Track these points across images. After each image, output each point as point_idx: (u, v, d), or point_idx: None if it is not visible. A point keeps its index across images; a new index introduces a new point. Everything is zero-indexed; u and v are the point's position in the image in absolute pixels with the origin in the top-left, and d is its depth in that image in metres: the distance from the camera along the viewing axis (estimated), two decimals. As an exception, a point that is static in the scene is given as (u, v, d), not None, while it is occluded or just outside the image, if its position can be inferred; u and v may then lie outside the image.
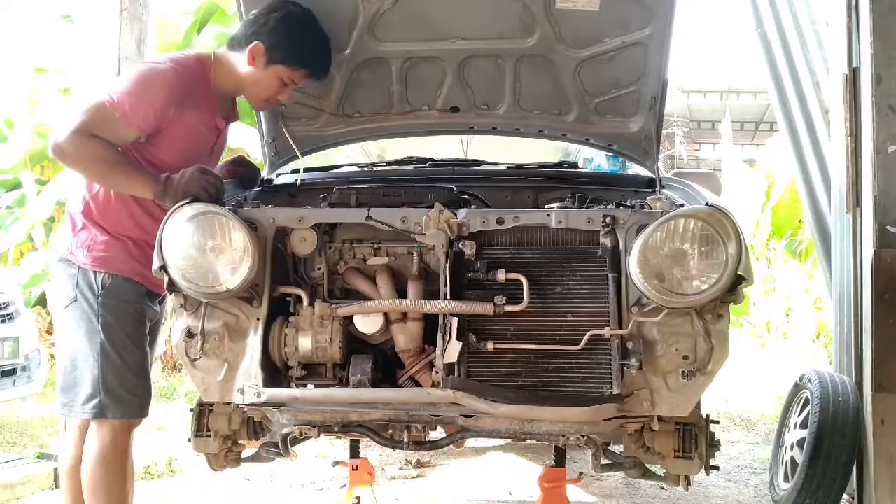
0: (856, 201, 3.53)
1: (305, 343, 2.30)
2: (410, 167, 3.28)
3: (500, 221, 2.31)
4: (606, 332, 2.18)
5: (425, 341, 2.35)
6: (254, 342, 2.28)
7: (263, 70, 2.54)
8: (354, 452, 2.83)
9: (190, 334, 2.28)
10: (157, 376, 6.22)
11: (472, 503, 3.84)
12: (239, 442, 2.54)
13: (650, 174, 3.02)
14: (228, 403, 2.37)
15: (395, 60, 2.83)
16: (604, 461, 2.41)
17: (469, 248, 2.28)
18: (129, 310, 2.49)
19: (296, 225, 2.35)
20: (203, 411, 2.47)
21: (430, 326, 2.32)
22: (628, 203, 2.45)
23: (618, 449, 2.50)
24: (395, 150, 3.84)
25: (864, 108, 3.40)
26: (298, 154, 3.03)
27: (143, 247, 2.46)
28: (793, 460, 3.64)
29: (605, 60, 2.75)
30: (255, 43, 2.51)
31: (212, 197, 2.35)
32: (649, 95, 2.79)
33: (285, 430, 2.40)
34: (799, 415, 3.80)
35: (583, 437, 2.27)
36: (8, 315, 4.71)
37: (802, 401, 3.80)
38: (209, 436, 2.47)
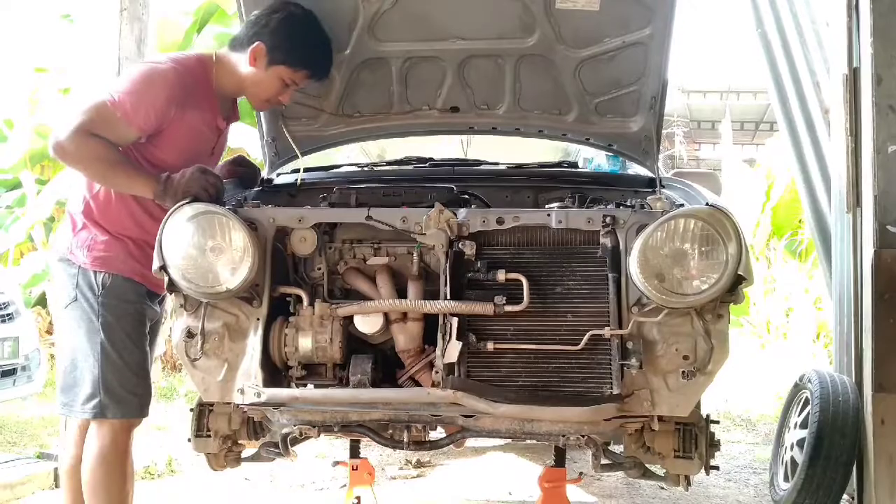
0: (856, 201, 3.53)
1: (305, 343, 2.30)
2: (410, 167, 3.28)
3: (500, 221, 2.31)
4: (606, 332, 2.18)
5: (425, 341, 2.35)
6: (254, 342, 2.28)
7: (265, 71, 2.54)
8: (354, 452, 2.83)
9: (190, 334, 2.28)
10: (157, 376, 6.22)
11: (472, 503, 3.84)
12: (239, 442, 2.54)
13: (650, 174, 3.02)
14: (228, 403, 2.37)
15: (395, 60, 2.83)
16: (604, 461, 2.41)
17: (469, 248, 2.28)
18: (129, 309, 2.49)
19: (296, 225, 2.35)
20: (203, 411, 2.47)
21: (430, 326, 2.32)
22: (628, 203, 2.45)
23: (618, 449, 2.50)
24: (395, 150, 3.84)
25: (864, 108, 3.40)
26: (298, 154, 3.03)
27: (144, 247, 2.46)
28: (793, 460, 3.64)
29: (605, 60, 2.75)
30: (256, 44, 2.51)
31: (212, 197, 2.35)
32: (649, 95, 2.79)
33: (285, 430, 2.40)
34: (799, 415, 3.80)
35: (583, 437, 2.27)
36: (8, 315, 4.71)
37: (802, 401, 3.81)
38: (209, 436, 2.47)
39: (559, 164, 3.52)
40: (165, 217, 2.24)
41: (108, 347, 2.44)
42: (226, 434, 2.48)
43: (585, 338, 2.18)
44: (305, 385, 2.36)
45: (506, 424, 2.26)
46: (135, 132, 2.41)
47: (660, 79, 2.73)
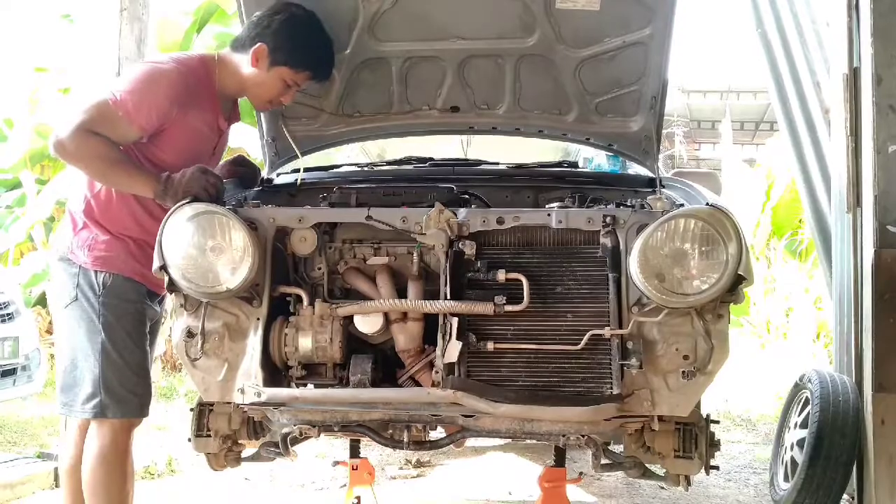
0: (856, 201, 3.53)
1: (305, 343, 2.30)
2: (410, 167, 3.28)
3: (500, 221, 2.31)
4: (606, 331, 2.18)
5: (425, 341, 2.35)
6: (254, 342, 2.28)
7: (267, 72, 2.54)
8: (354, 452, 2.83)
9: (190, 334, 2.28)
10: (157, 376, 6.22)
11: (472, 503, 3.84)
12: (239, 442, 2.54)
13: (650, 174, 3.02)
14: (228, 403, 2.37)
15: (395, 60, 2.83)
16: (604, 461, 2.41)
17: (469, 248, 2.28)
18: (129, 309, 2.49)
19: (296, 225, 2.35)
20: (203, 411, 2.47)
21: (430, 326, 2.32)
22: (628, 203, 2.45)
23: (618, 449, 2.50)
24: (395, 150, 3.84)
25: (864, 108, 3.40)
26: (298, 154, 3.03)
27: (144, 246, 2.46)
28: (793, 460, 3.64)
29: (605, 60, 2.75)
30: (258, 45, 2.51)
31: (212, 197, 2.35)
32: (649, 95, 2.79)
33: (285, 430, 2.40)
34: (799, 415, 3.80)
35: (583, 436, 2.27)
36: (8, 315, 4.71)
37: (802, 401, 3.80)
38: (209, 435, 2.47)
39: (559, 164, 3.52)
40: (166, 217, 2.24)
41: (108, 347, 2.44)
42: (226, 434, 2.48)
43: (585, 338, 2.18)
44: (305, 385, 2.36)
45: (506, 424, 2.26)
46: (136, 131, 2.41)
47: (660, 79, 2.73)
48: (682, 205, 2.36)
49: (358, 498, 2.75)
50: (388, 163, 3.51)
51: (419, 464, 4.40)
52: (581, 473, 3.54)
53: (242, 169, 2.92)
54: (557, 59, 2.77)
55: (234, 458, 2.57)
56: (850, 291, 3.62)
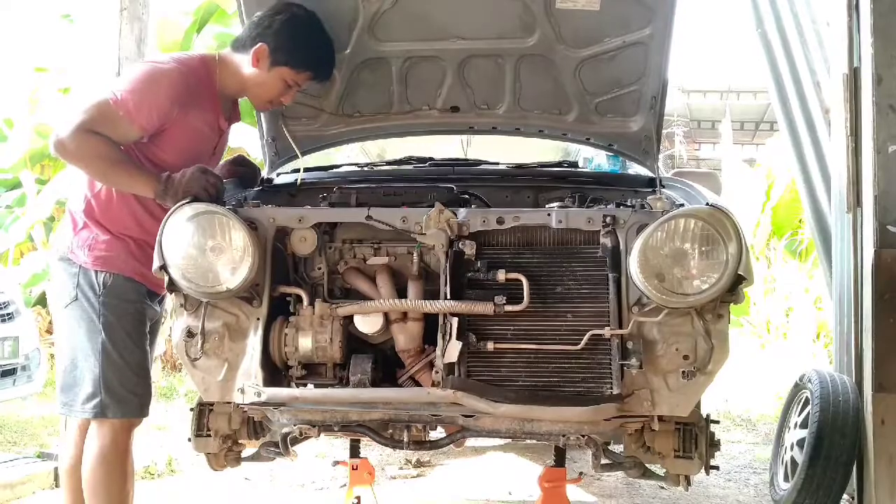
0: (856, 201, 3.53)
1: (305, 343, 2.30)
2: (410, 167, 3.28)
3: (500, 221, 2.31)
4: (606, 331, 2.18)
5: (425, 341, 2.35)
6: (254, 342, 2.28)
7: (267, 72, 2.54)
8: (354, 452, 2.83)
9: (190, 334, 2.28)
10: (157, 376, 6.22)
11: (472, 503, 3.84)
12: (239, 441, 2.54)
13: (650, 174, 3.02)
14: (228, 403, 2.37)
15: (395, 60, 2.83)
16: (604, 461, 2.41)
17: (469, 248, 2.28)
18: (129, 309, 2.49)
19: (296, 225, 2.35)
20: (203, 411, 2.47)
21: (430, 326, 2.32)
22: (628, 203, 2.45)
23: (618, 449, 2.50)
24: (395, 150, 3.84)
25: (864, 108, 3.40)
26: (298, 154, 3.03)
27: (144, 246, 2.46)
28: (793, 460, 3.64)
29: (605, 60, 2.75)
30: (259, 45, 2.51)
31: (212, 197, 2.35)
32: (650, 95, 2.79)
33: (285, 430, 2.40)
34: (799, 415, 3.80)
35: (583, 436, 2.27)
36: (8, 315, 4.71)
37: (802, 401, 3.81)
38: (209, 435, 2.47)
39: (559, 164, 3.52)
40: (166, 217, 2.24)
41: (108, 347, 2.44)
42: (226, 434, 2.48)
43: (585, 338, 2.18)
44: (305, 385, 2.36)
45: (506, 424, 2.26)
46: (137, 131, 2.41)
47: (660, 78, 2.73)
48: (682, 205, 2.36)
49: (358, 498, 2.75)
50: (388, 163, 3.51)
51: (419, 464, 4.40)
52: (581, 473, 3.54)
53: (242, 169, 2.92)
54: (557, 59, 2.77)
55: (234, 457, 2.57)
56: (850, 291, 3.62)
